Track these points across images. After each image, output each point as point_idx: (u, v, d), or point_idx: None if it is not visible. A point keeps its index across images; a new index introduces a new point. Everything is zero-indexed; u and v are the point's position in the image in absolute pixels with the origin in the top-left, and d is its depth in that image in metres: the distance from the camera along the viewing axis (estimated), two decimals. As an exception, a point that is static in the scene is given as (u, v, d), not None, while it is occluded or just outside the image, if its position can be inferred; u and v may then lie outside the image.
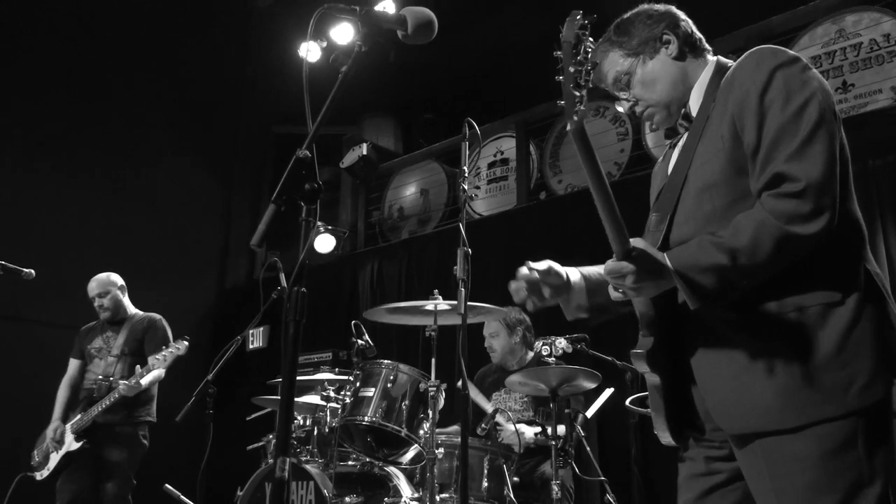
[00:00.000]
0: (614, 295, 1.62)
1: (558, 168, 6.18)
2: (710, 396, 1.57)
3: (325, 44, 6.01)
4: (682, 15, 1.80)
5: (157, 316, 4.59)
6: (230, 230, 8.12)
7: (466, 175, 3.04)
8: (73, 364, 4.59)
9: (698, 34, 1.79)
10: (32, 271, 4.42)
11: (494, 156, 6.67)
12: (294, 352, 1.41)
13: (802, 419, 1.42)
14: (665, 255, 1.51)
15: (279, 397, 1.43)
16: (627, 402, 3.41)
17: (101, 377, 4.35)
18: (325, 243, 7.00)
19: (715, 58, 1.76)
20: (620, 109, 1.85)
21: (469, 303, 2.84)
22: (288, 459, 1.35)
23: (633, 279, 1.48)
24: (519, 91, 6.70)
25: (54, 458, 4.30)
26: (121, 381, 4.15)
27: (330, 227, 7.04)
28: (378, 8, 1.83)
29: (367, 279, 6.77)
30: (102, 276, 4.59)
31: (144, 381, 4.16)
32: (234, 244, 8.08)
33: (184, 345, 4.13)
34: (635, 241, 1.50)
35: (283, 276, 4.16)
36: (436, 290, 3.27)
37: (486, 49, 6.76)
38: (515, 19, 6.55)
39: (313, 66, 5.83)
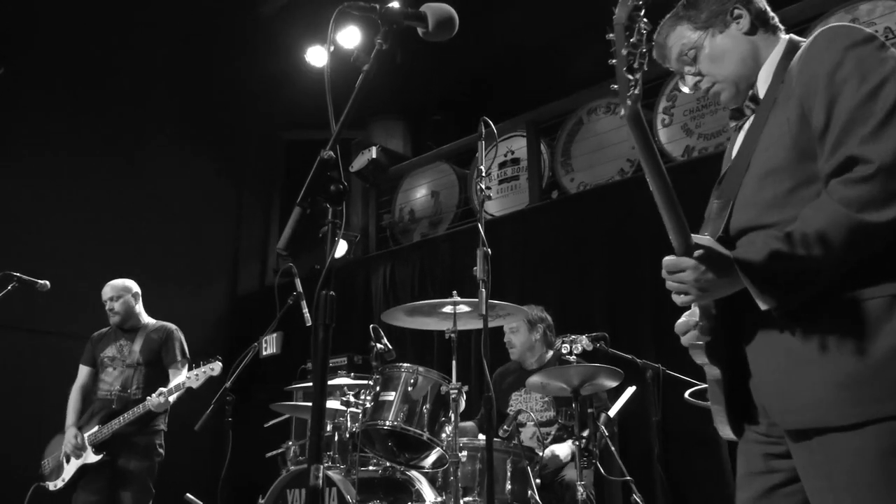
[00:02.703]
0: (678, 300, 1.52)
1: (570, 166, 6.12)
2: (764, 389, 1.51)
3: (332, 48, 5.99)
4: None
5: (173, 326, 4.55)
6: (241, 237, 8.12)
7: (483, 174, 3.01)
8: (84, 371, 4.53)
9: (771, 11, 1.71)
10: (47, 283, 4.44)
11: (505, 156, 6.63)
12: (325, 356, 1.39)
13: (862, 416, 1.34)
14: (731, 254, 1.43)
15: (306, 403, 1.41)
16: (686, 394, 3.28)
17: (118, 388, 4.32)
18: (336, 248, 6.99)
19: (787, 36, 1.68)
20: (685, 90, 1.77)
21: (491, 301, 2.81)
22: (322, 467, 1.32)
23: (695, 276, 1.42)
24: (528, 90, 6.66)
25: (70, 469, 4.24)
26: (151, 397, 4.10)
27: (341, 232, 7.04)
28: (395, 5, 1.80)
29: (379, 283, 6.75)
30: (118, 281, 4.57)
31: (172, 397, 4.13)
32: (246, 251, 8.08)
33: (218, 366, 4.11)
34: (699, 239, 1.43)
35: (298, 282, 4.14)
36: (454, 292, 3.24)
37: (494, 49, 6.71)
38: (523, 19, 6.51)
39: (321, 70, 5.84)
